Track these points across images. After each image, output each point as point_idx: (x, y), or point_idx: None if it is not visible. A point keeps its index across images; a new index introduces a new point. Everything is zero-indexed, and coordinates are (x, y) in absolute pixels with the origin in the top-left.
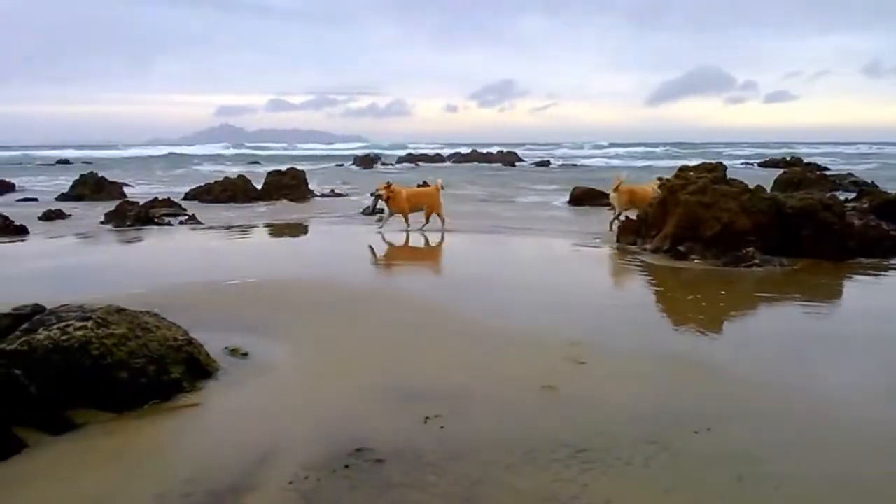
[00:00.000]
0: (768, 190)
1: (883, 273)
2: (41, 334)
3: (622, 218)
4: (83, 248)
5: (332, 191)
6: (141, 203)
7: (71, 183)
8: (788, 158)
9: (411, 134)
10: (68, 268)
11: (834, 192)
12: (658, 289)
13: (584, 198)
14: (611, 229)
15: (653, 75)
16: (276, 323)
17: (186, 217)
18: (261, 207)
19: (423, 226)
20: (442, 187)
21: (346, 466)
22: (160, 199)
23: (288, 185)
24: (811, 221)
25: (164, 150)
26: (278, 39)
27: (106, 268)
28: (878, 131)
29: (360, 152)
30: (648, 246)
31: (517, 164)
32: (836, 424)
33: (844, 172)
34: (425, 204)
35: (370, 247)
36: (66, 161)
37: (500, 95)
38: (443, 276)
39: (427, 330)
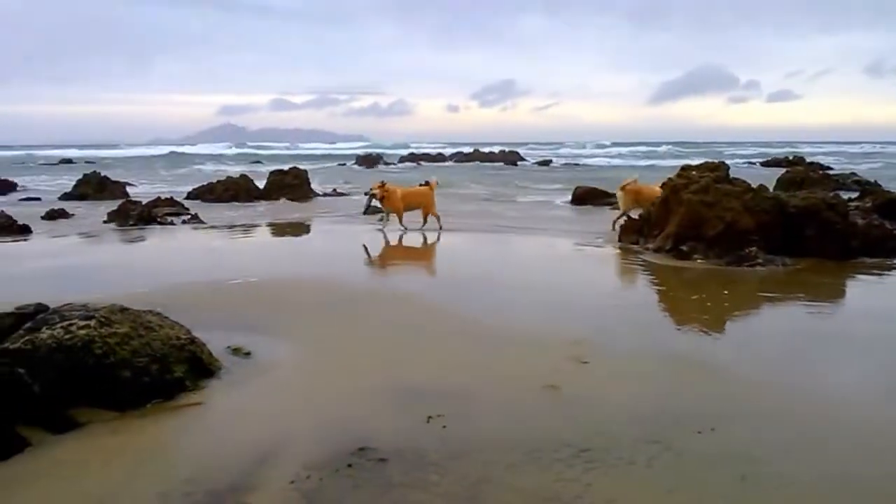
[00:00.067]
0: (771, 189)
1: (886, 273)
2: (44, 333)
3: (631, 216)
4: (86, 248)
5: (334, 190)
6: (144, 202)
7: (74, 182)
8: (791, 158)
9: (413, 133)
10: (71, 267)
11: (837, 192)
12: (661, 288)
13: (586, 197)
14: (613, 229)
15: (655, 75)
16: (278, 322)
17: (189, 216)
18: (263, 207)
19: (422, 226)
20: (437, 184)
21: (349, 466)
22: (163, 198)
23: (290, 184)
24: (814, 221)
25: (166, 150)
26: (280, 39)
27: (109, 267)
28: (882, 130)
29: (361, 152)
30: (651, 245)
31: (519, 163)
32: (840, 424)
33: (847, 172)
34: (420, 203)
35: (364, 246)
36: (68, 161)
37: (502, 95)
38: (445, 276)
39: (429, 329)
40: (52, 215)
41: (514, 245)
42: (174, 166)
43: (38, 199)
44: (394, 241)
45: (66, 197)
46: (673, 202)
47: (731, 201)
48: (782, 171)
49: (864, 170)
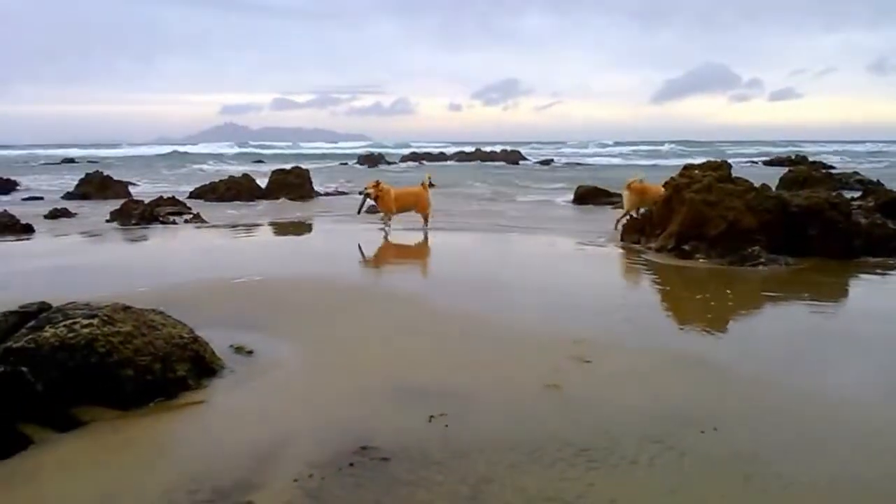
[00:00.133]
0: (773, 188)
1: (889, 272)
2: (47, 332)
3: (633, 215)
4: (89, 247)
5: (337, 189)
6: (146, 202)
7: (76, 182)
8: (794, 157)
9: (415, 132)
10: (74, 266)
11: (840, 191)
12: (663, 288)
13: (588, 196)
14: (616, 228)
15: (657, 73)
16: (280, 321)
17: (191, 216)
18: (265, 206)
19: (424, 225)
20: (432, 184)
21: (352, 464)
22: (165, 197)
23: (292, 183)
24: (817, 220)
25: (168, 149)
26: (282, 38)
27: (111, 266)
28: (886, 129)
29: (364, 151)
30: (653, 245)
31: (521, 162)
32: (842, 425)
33: (850, 171)
34: (414, 203)
35: (358, 245)
36: (71, 160)
37: (504, 94)
38: (446, 275)
39: (430, 329)
40: (55, 214)
41: (515, 244)
42: (176, 166)
43: (41, 198)
44: (395, 241)
45: (68, 196)
46: (675, 201)
47: (734, 200)
48: (785, 170)
49: (868, 169)
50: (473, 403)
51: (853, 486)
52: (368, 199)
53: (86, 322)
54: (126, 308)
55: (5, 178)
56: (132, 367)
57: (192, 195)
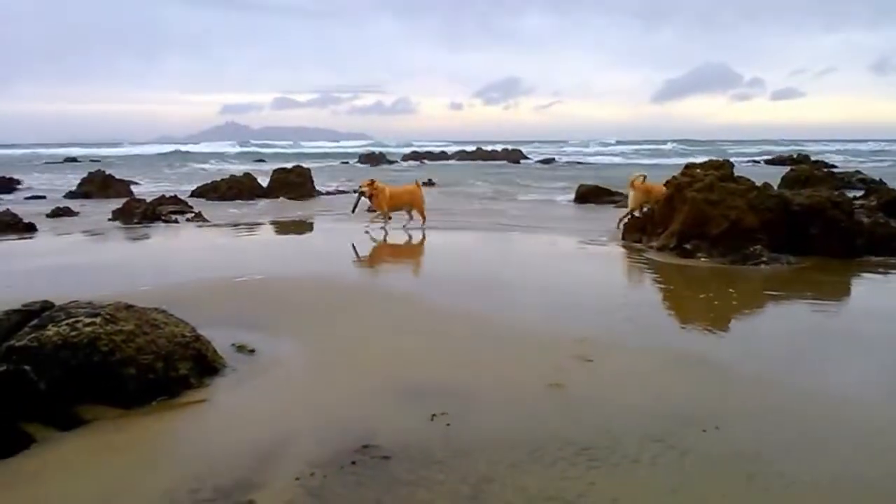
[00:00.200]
0: (775, 187)
1: (891, 271)
2: (50, 330)
3: (636, 214)
4: (91, 246)
5: (337, 189)
6: (148, 201)
7: (78, 181)
8: (795, 156)
9: (416, 131)
10: (76, 265)
11: (842, 190)
12: (665, 287)
13: (590, 195)
14: (619, 227)
15: (658, 73)
16: (282, 320)
17: (193, 214)
18: (266, 205)
19: (422, 224)
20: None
21: (353, 463)
22: (167, 196)
23: (293, 182)
24: (819, 219)
25: (170, 149)
26: (283, 37)
27: (114, 265)
28: (887, 129)
29: (365, 150)
30: (654, 244)
31: (522, 161)
32: (844, 424)
33: (852, 170)
34: (409, 202)
35: (352, 245)
36: (73, 159)
37: (505, 93)
38: (448, 274)
39: (432, 327)
40: (57, 213)
41: (516, 243)
42: (178, 165)
43: (44, 197)
44: (396, 241)
45: (70, 195)
46: (677, 200)
47: (736, 199)
48: (787, 169)
49: (871, 168)
50: (475, 402)
51: (855, 485)
52: (363, 198)
53: (88, 321)
54: (128, 307)
55: (8, 176)
56: (134, 366)
57: (194, 194)
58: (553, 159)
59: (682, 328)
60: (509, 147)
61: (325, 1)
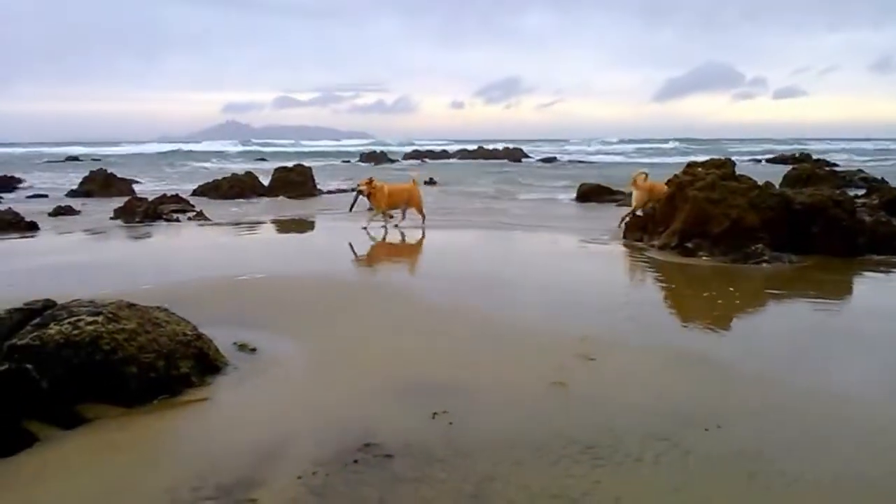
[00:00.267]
0: (777, 186)
1: (893, 270)
2: (52, 329)
3: (639, 213)
4: (93, 244)
5: (338, 187)
6: (149, 199)
7: (80, 180)
8: (797, 154)
9: (417, 130)
10: (78, 263)
11: (844, 189)
12: (666, 285)
13: (591, 194)
14: (620, 226)
15: (660, 71)
16: (284, 318)
17: (194, 213)
18: (268, 203)
19: (423, 222)
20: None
21: (355, 461)
22: (168, 195)
23: (295, 181)
24: (821, 218)
25: (171, 147)
26: (284, 36)
27: (116, 263)
28: (889, 128)
29: (366, 149)
30: (656, 242)
31: (523, 160)
32: (846, 423)
33: (854, 168)
34: (406, 200)
35: (349, 244)
36: (75, 158)
37: (506, 92)
38: (449, 273)
39: (434, 326)
40: (59, 212)
41: (518, 242)
42: (179, 164)
43: (45, 195)
44: (396, 240)
45: (72, 194)
46: (678, 199)
47: (737, 198)
48: (788, 167)
49: (873, 167)
50: (476, 401)
51: (857, 483)
52: (361, 196)
53: (90, 319)
54: (130, 305)
55: (9, 175)
56: (136, 365)
57: (196, 193)
58: (554, 158)
59: (684, 327)
60: (511, 146)
61: None
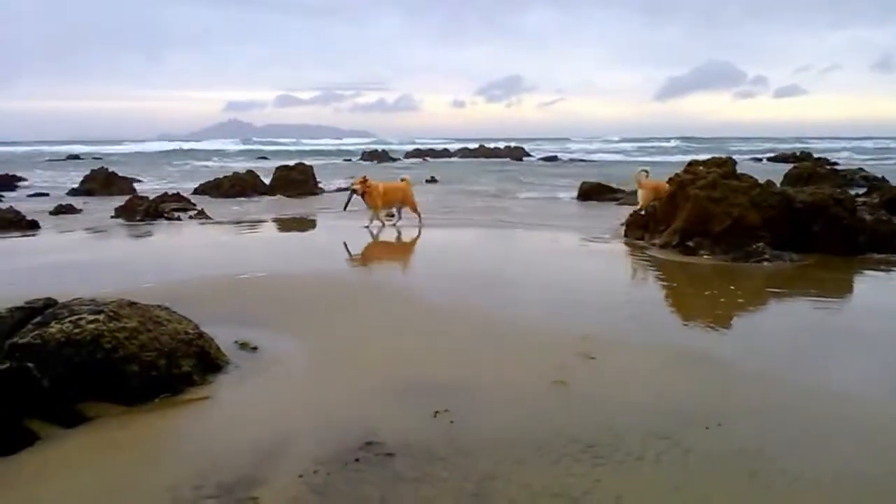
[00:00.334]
0: (778, 185)
1: (893, 268)
2: (53, 328)
3: (642, 213)
4: (94, 243)
5: (339, 187)
6: (151, 198)
7: (81, 178)
8: (798, 153)
9: (419, 129)
10: (80, 262)
11: (845, 188)
12: (667, 284)
13: (593, 193)
14: (623, 225)
15: (662, 70)
16: (285, 317)
17: (196, 212)
18: (269, 202)
19: (419, 221)
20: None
21: (356, 460)
22: (170, 194)
23: (296, 180)
24: (822, 216)
25: (173, 146)
26: (284, 34)
27: (117, 262)
28: (890, 127)
29: (367, 147)
30: (657, 241)
31: (525, 159)
32: (846, 421)
33: (855, 167)
34: (401, 199)
35: (344, 243)
36: (76, 156)
37: (508, 91)
38: (450, 272)
39: (435, 325)
40: (60, 210)
41: (519, 240)
42: (181, 162)
43: (47, 194)
44: (395, 239)
45: (73, 192)
46: (680, 198)
47: (738, 197)
48: (790, 166)
49: (874, 165)
50: (477, 400)
51: (858, 482)
52: (355, 195)
53: (91, 318)
54: (131, 304)
55: (10, 174)
56: (137, 363)
57: (197, 191)
58: (556, 157)
59: (685, 325)
60: (512, 144)
61: None
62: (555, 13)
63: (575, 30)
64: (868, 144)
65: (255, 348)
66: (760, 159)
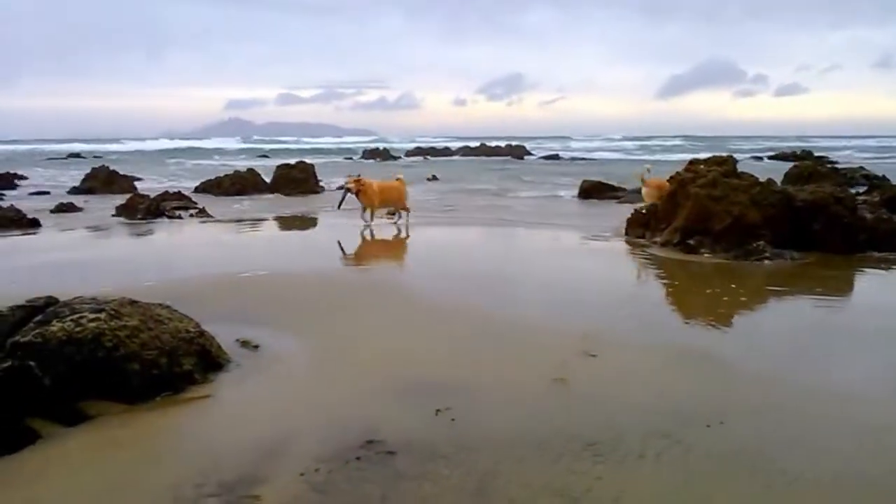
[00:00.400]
0: (779, 183)
1: (894, 267)
2: (55, 326)
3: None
4: (95, 241)
5: (341, 185)
6: (151, 196)
7: (82, 176)
8: (798, 152)
9: (420, 127)
10: (81, 260)
11: (845, 186)
12: (668, 282)
13: (593, 191)
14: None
15: (663, 68)
16: (286, 315)
17: (197, 210)
18: (270, 200)
19: (406, 219)
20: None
21: (358, 458)
22: (171, 192)
23: (297, 178)
24: (822, 215)
25: (173, 144)
26: (286, 33)
27: (118, 260)
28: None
29: (369, 146)
30: (658, 239)
31: (526, 157)
32: (850, 421)
33: (856, 166)
34: (397, 198)
35: (338, 242)
36: (77, 155)
37: (509, 89)
38: (451, 270)
39: (436, 323)
40: (61, 209)
41: (520, 239)
42: (182, 160)
43: (47, 192)
44: (395, 239)
45: (74, 191)
46: (680, 196)
47: (739, 195)
48: (790, 165)
49: (876, 164)
50: (479, 398)
51: (858, 482)
52: (349, 194)
53: (93, 316)
54: (133, 302)
55: (11, 172)
56: (139, 362)
57: (198, 190)
58: (557, 155)
59: (686, 324)
60: (513, 143)
61: None
62: (555, 13)
63: (575, 28)
64: (869, 143)
65: (256, 347)
66: (761, 158)
